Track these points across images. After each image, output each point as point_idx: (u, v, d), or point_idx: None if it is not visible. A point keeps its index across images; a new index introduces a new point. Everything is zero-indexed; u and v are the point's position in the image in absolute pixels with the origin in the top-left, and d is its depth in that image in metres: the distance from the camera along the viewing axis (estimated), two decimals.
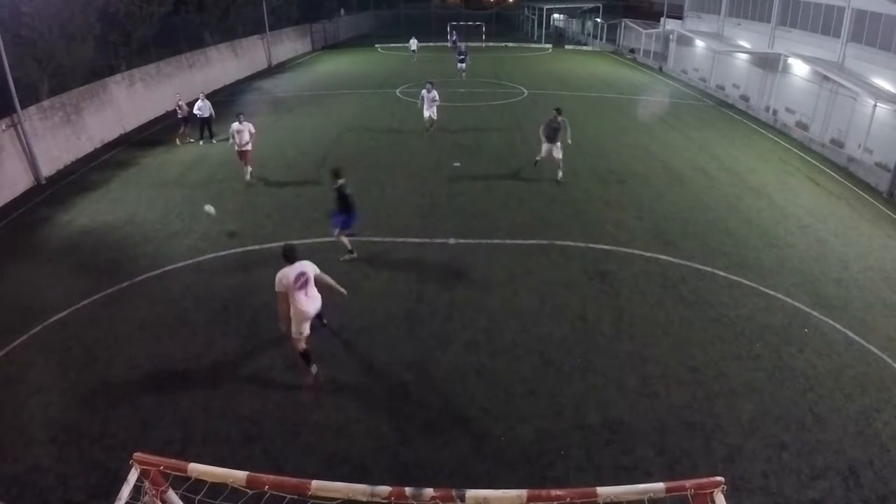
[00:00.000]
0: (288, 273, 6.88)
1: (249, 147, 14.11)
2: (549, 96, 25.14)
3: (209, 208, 11.80)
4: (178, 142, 18.08)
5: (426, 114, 18.15)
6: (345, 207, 9.86)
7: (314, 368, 7.48)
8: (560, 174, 14.39)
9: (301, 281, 6.95)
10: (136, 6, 20.34)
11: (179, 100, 18.42)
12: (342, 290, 7.45)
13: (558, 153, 14.20)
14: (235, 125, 13.95)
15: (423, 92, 17.99)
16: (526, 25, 54.54)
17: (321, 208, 12.87)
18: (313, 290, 7.17)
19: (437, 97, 18.02)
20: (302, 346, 7.26)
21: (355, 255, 10.47)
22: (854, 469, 6.15)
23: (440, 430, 6.72)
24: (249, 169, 14.36)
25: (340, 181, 9.77)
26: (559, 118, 13.88)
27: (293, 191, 14.02)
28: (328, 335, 8.29)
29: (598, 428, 6.73)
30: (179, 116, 18.19)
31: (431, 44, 42.68)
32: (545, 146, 14.35)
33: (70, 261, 10.79)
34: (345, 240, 10.30)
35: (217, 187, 14.22)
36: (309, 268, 7.10)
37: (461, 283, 9.85)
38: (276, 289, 6.91)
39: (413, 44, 36.88)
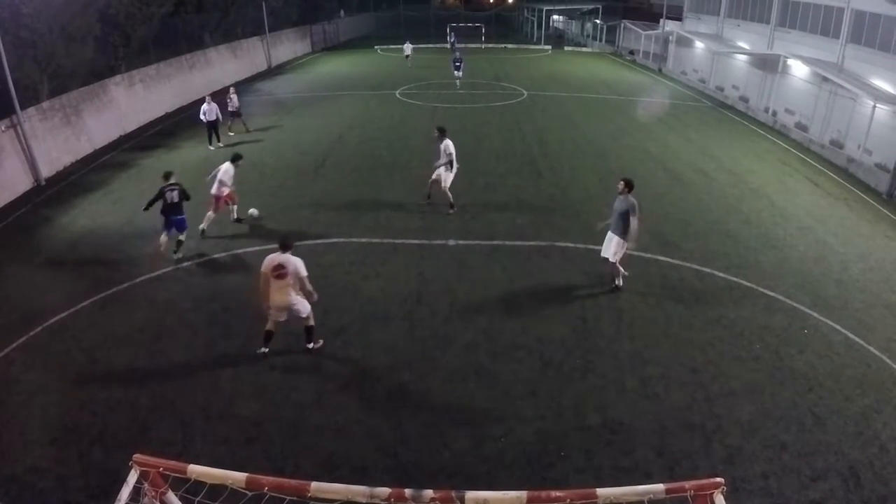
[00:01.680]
0: (271, 258, 7.39)
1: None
2: (548, 97, 25.18)
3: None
4: (229, 132, 18.77)
5: (444, 177, 12.33)
6: (170, 212, 10.45)
7: (265, 349, 7.91)
8: (620, 281, 9.71)
9: (277, 272, 7.35)
10: (136, 7, 20.32)
11: (232, 92, 18.91)
12: (314, 293, 7.72)
13: (629, 245, 9.30)
14: (229, 168, 11.48)
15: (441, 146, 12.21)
16: (525, 27, 54.56)
17: (321, 210, 12.93)
18: (285, 286, 7.45)
19: (452, 149, 12.10)
20: (268, 325, 7.80)
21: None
22: (854, 470, 6.15)
23: (440, 430, 6.72)
24: (235, 206, 12.17)
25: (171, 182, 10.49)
26: (630, 196, 9.01)
27: (293, 192, 14.02)
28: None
29: (598, 429, 6.73)
30: (229, 110, 18.68)
31: (430, 45, 42.67)
32: (616, 241, 9.25)
33: (70, 262, 10.79)
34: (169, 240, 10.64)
35: None
36: (290, 263, 7.39)
37: (461, 284, 9.85)
38: (261, 269, 7.40)
39: (407, 48, 34.95)
